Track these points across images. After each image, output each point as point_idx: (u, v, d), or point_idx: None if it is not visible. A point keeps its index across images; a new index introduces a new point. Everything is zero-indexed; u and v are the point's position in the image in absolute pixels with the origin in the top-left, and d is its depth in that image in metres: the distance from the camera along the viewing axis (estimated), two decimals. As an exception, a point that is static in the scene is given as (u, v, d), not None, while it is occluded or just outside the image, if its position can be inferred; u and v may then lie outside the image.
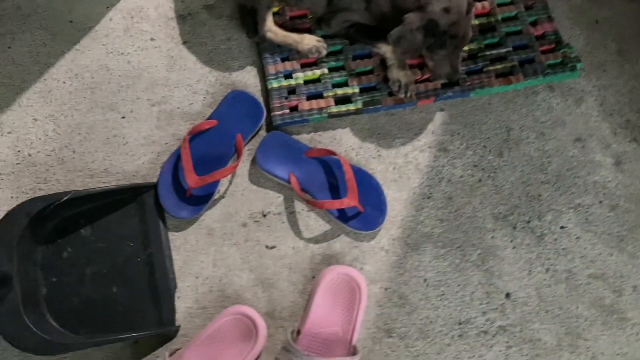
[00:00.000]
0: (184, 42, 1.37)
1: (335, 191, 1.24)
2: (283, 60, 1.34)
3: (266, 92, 1.33)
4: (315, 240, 1.22)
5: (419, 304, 1.18)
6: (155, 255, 1.19)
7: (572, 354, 1.15)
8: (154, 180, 1.23)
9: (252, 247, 1.21)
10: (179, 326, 1.14)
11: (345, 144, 1.30)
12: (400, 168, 1.27)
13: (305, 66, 1.34)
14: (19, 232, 1.06)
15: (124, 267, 1.17)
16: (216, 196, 1.23)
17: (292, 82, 1.32)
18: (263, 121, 1.29)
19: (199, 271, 1.18)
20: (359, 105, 1.30)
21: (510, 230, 1.23)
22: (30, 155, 1.26)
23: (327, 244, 1.21)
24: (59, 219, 1.16)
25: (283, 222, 1.22)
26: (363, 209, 1.20)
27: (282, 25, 1.36)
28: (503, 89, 1.32)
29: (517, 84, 1.31)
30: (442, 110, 1.33)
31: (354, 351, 1.10)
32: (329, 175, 1.25)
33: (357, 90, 1.32)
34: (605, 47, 1.38)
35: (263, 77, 1.34)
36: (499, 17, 1.37)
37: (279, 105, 1.30)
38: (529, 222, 1.24)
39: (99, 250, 1.18)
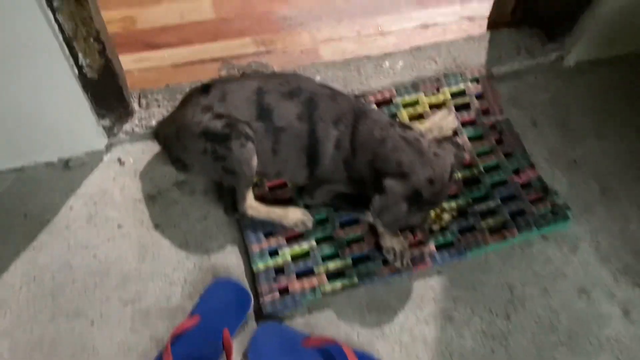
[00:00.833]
0: (156, 226, 1.26)
1: (342, 387, 1.11)
2: (267, 235, 1.25)
3: (251, 272, 1.22)
4: None
5: None
6: None
7: None
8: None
9: None
10: None
11: (344, 324, 1.19)
12: (407, 347, 1.17)
13: (291, 240, 1.25)
14: None
15: None
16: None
17: (279, 260, 1.23)
18: (251, 309, 1.17)
19: None
20: (354, 280, 1.21)
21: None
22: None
23: None
24: None
25: None
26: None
27: (261, 197, 1.28)
28: (499, 246, 1.28)
29: (512, 239, 1.27)
30: (439, 273, 1.25)
31: None
32: (333, 368, 1.13)
33: (349, 261, 1.23)
34: (588, 188, 1.38)
35: (246, 255, 1.24)
36: (481, 167, 1.36)
37: (267, 289, 1.19)
38: (550, 392, 1.15)
39: None
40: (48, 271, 1.18)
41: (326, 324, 1.19)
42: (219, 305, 1.16)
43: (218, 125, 1.14)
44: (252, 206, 1.23)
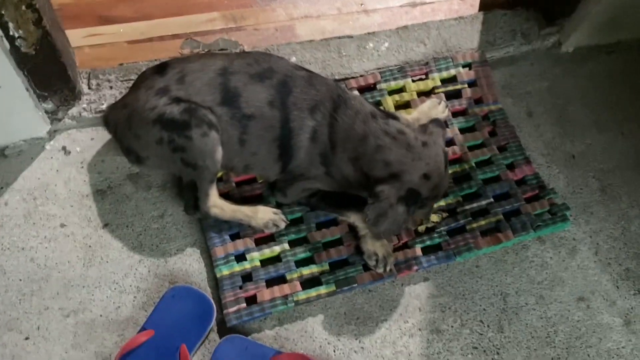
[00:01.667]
0: (105, 225, 1.10)
1: (316, 410, 0.99)
2: (233, 237, 1.11)
3: (214, 279, 1.07)
4: None
5: None
6: None
7: None
8: None
9: None
10: None
11: (319, 337, 1.06)
12: (390, 363, 1.05)
13: (260, 242, 1.11)
14: None
15: None
16: None
17: (246, 265, 1.08)
18: (214, 321, 1.03)
19: None
20: (332, 287, 1.08)
21: None
22: None
23: None
24: None
25: None
26: None
27: (227, 195, 1.13)
28: (492, 250, 1.16)
29: (506, 242, 1.15)
30: (426, 279, 1.13)
31: None
32: (306, 389, 1.00)
33: (326, 267, 1.10)
34: (587, 185, 1.27)
35: (209, 260, 1.09)
36: (472, 162, 1.23)
37: (232, 298, 1.05)
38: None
39: None
40: (-24, 277, 1.03)
41: (299, 337, 1.05)
42: (177, 317, 1.02)
43: (175, 110, 0.99)
44: (216, 204, 1.08)
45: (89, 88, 1.20)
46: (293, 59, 1.30)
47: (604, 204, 1.25)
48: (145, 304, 1.04)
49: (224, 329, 1.03)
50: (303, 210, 1.14)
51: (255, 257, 1.09)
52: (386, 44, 1.35)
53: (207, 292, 1.06)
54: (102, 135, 1.18)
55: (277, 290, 1.07)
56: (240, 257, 1.09)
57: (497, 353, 1.08)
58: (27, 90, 1.06)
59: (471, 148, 1.25)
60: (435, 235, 1.14)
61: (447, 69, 1.32)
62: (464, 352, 1.07)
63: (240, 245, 1.10)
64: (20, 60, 1.01)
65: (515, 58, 1.40)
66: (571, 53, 1.43)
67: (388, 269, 1.09)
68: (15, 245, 1.06)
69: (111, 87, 1.20)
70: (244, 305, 1.05)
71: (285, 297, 1.06)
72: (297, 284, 1.08)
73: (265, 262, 1.10)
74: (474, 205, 1.19)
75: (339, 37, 1.36)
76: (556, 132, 1.33)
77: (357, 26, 1.42)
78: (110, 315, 1.03)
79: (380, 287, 1.11)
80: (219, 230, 1.10)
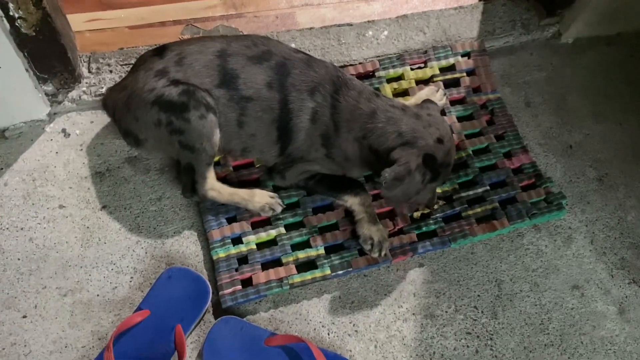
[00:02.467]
0: (103, 207, 1.11)
1: (309, 391, 0.99)
2: (229, 221, 1.11)
3: (210, 261, 1.08)
4: None
5: None
6: None
7: None
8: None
9: None
10: None
11: (314, 320, 1.06)
12: (383, 345, 1.05)
13: (257, 226, 1.12)
14: None
15: None
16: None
17: (242, 248, 1.09)
18: (209, 303, 1.04)
19: None
20: (327, 270, 1.08)
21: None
22: None
23: None
24: None
25: None
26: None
27: (225, 178, 1.14)
28: (487, 237, 1.16)
29: (501, 230, 1.16)
30: (421, 265, 1.13)
31: None
32: (299, 370, 1.01)
33: (322, 251, 1.11)
34: (584, 174, 1.27)
35: (206, 243, 1.10)
36: (470, 150, 1.23)
37: (228, 280, 1.05)
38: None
39: None
40: (-25, 256, 1.04)
41: (293, 320, 1.06)
42: (172, 298, 1.02)
43: (174, 92, 0.99)
44: (214, 187, 1.08)
45: (89, 72, 1.21)
46: (293, 46, 1.30)
47: (601, 194, 1.26)
48: (142, 285, 1.05)
49: (219, 311, 1.04)
50: (299, 194, 1.15)
51: (252, 240, 1.10)
52: (385, 32, 1.36)
53: (203, 274, 1.07)
54: (102, 119, 1.19)
55: (273, 273, 1.07)
56: (237, 240, 1.10)
57: (491, 339, 1.09)
58: (27, 71, 1.07)
59: (469, 136, 1.25)
60: (431, 221, 1.15)
61: (446, 57, 1.32)
62: (457, 337, 1.08)
63: (236, 228, 1.10)
64: (21, 41, 1.02)
65: (515, 48, 1.41)
66: (571, 44, 1.43)
67: (383, 253, 1.09)
68: (14, 225, 1.07)
69: (111, 71, 1.21)
70: (240, 287, 1.05)
71: (281, 279, 1.07)
72: (293, 267, 1.08)
73: (261, 245, 1.10)
74: (470, 192, 1.19)
75: (339, 25, 1.36)
76: (554, 121, 1.33)
77: (357, 14, 1.42)
78: (107, 295, 1.03)
79: (375, 271, 1.12)
80: (216, 213, 1.11)
